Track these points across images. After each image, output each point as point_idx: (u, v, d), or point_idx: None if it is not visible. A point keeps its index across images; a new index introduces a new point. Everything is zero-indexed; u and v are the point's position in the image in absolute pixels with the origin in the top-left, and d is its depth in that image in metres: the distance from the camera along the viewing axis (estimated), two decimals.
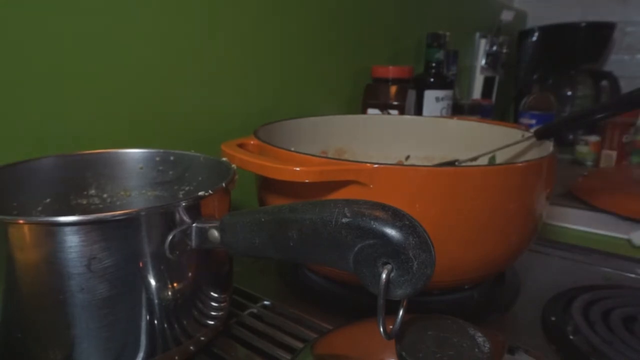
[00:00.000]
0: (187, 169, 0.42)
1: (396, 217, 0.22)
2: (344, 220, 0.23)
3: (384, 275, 0.22)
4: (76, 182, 0.41)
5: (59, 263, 0.26)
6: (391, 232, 0.22)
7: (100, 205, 0.42)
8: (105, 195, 0.42)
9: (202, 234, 0.30)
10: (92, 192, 0.42)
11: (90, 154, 0.42)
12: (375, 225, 0.22)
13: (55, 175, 0.40)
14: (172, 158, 0.42)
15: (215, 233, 0.29)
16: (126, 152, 0.42)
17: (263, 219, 0.27)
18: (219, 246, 0.30)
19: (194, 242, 0.30)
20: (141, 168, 0.43)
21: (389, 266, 0.22)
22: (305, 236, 0.25)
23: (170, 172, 0.43)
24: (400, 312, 0.23)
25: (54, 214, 0.39)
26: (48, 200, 0.39)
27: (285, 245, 0.26)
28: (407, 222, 0.22)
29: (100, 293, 0.27)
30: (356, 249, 0.23)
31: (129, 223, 0.28)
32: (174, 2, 0.50)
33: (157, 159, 0.42)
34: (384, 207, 0.23)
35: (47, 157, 0.39)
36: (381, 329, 0.23)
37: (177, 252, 0.30)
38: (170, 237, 0.29)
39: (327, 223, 0.24)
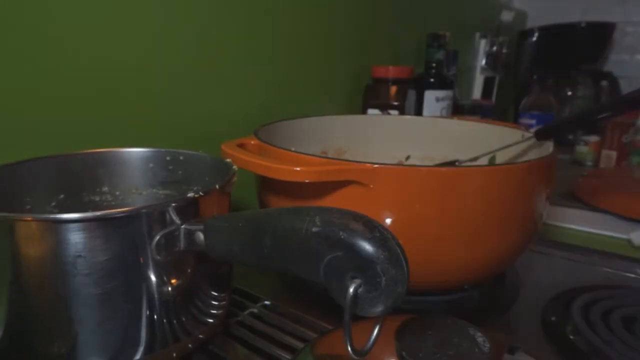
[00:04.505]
0: (195, 169, 0.42)
1: (367, 228, 0.21)
2: (314, 229, 0.22)
3: (351, 290, 0.20)
4: (89, 179, 0.41)
5: (56, 260, 0.27)
6: (360, 244, 0.20)
7: (113, 202, 0.43)
8: (117, 193, 0.43)
9: (190, 236, 0.29)
10: (105, 189, 0.42)
11: (102, 152, 0.42)
12: (344, 236, 0.21)
13: (69, 172, 0.40)
14: (181, 158, 0.43)
15: (201, 236, 0.29)
16: (137, 151, 0.43)
17: (240, 224, 0.26)
18: (205, 249, 0.29)
19: (182, 244, 0.29)
20: (152, 166, 0.43)
21: (357, 280, 0.20)
22: (277, 244, 0.24)
23: (180, 172, 0.43)
24: (376, 330, 0.21)
25: (67, 209, 0.39)
26: (62, 196, 0.40)
27: (260, 252, 0.25)
28: (378, 235, 0.20)
29: (98, 290, 0.27)
30: (325, 260, 0.21)
31: (123, 221, 0.28)
32: (177, 5, 0.50)
33: (168, 158, 0.43)
34: (355, 217, 0.21)
35: (61, 155, 0.40)
36: (348, 348, 0.21)
37: (165, 253, 0.29)
38: (157, 238, 0.28)
39: (298, 231, 0.22)
